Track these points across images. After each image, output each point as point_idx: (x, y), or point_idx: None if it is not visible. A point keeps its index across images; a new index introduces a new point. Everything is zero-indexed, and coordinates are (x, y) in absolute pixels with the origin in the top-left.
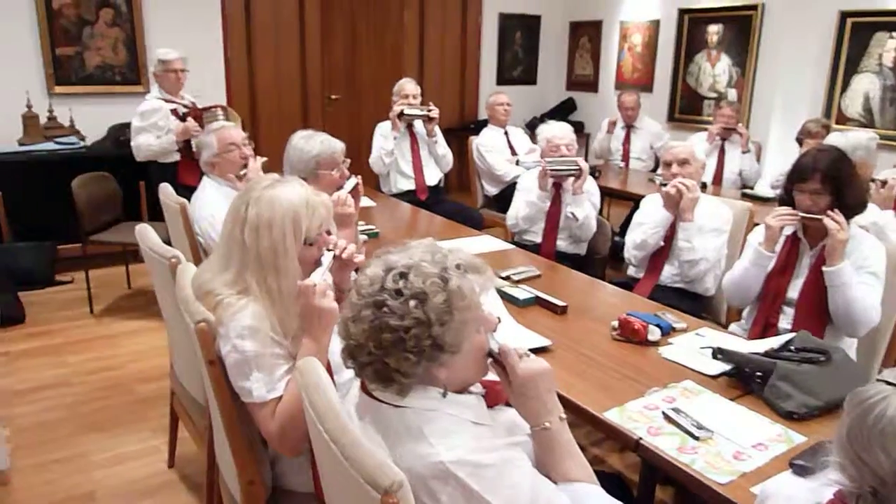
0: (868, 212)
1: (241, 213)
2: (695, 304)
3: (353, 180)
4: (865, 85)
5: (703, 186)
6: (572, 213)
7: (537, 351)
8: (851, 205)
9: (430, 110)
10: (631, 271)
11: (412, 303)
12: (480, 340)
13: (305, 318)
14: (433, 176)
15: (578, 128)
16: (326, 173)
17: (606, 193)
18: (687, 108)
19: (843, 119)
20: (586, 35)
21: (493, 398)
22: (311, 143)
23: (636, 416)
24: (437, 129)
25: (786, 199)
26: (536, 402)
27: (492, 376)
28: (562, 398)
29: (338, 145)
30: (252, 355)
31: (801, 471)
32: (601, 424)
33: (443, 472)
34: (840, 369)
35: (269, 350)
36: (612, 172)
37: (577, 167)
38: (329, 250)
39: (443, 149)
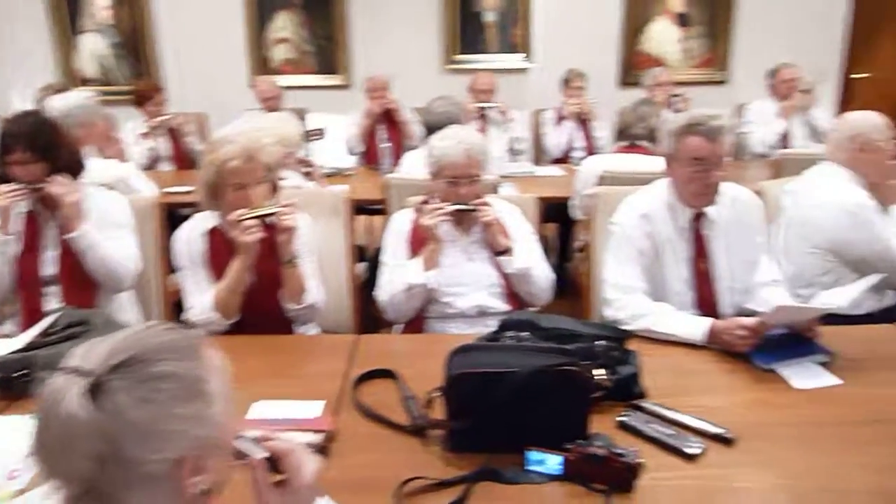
0: (112, 168)
1: None
2: None
3: None
4: (92, 45)
5: None
6: None
7: None
8: (69, 166)
9: None
10: None
11: None
12: None
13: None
14: None
15: None
16: None
17: None
18: None
19: (85, 81)
20: None
21: None
22: None
23: None
24: None
25: (3, 176)
26: None
27: None
28: None
29: None
30: None
31: None
32: None
33: None
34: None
35: None
36: None
37: None
38: None
39: None
